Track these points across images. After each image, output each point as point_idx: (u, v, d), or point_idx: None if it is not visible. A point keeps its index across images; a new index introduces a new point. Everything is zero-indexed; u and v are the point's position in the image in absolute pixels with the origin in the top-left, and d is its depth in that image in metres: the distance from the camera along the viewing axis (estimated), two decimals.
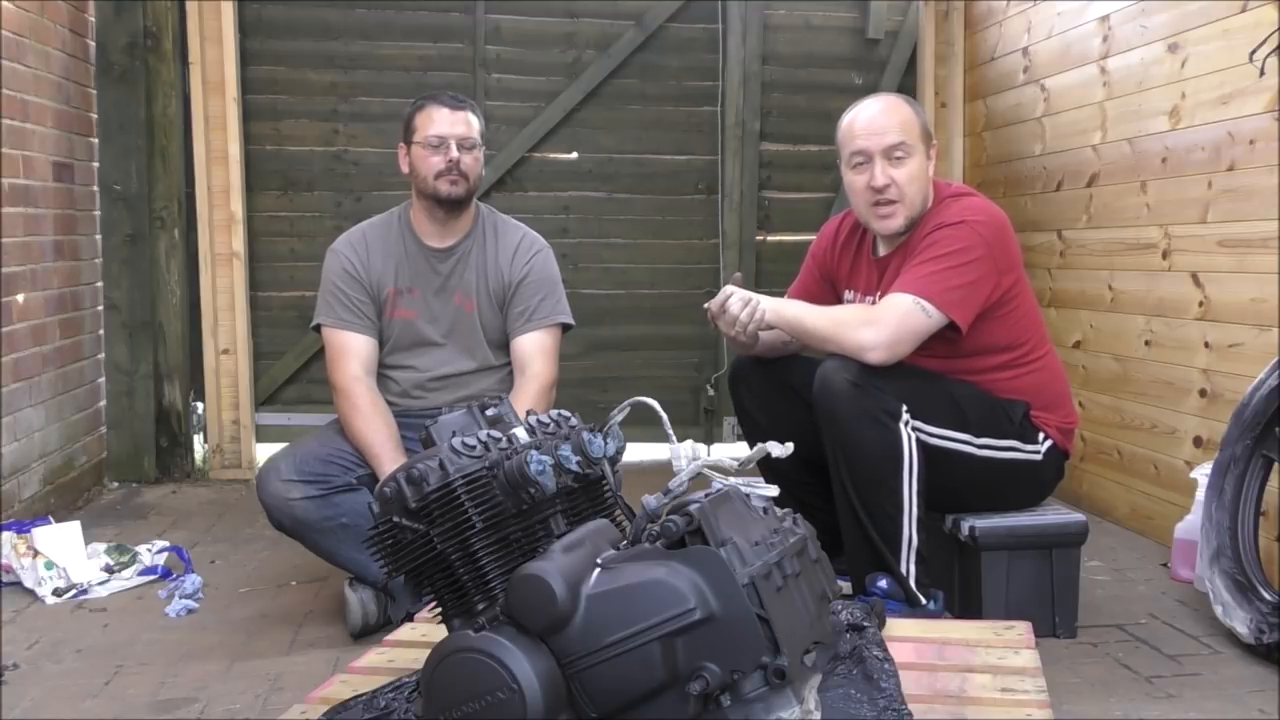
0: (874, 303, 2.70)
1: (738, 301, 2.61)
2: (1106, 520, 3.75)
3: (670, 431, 1.77)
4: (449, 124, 2.84)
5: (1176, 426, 3.43)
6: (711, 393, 5.03)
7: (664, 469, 1.73)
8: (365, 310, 2.91)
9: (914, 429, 2.50)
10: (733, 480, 1.70)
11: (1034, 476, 2.70)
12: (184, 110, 4.51)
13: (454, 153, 2.83)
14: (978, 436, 2.59)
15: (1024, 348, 2.69)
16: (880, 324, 2.51)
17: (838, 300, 2.86)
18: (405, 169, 2.92)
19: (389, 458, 2.72)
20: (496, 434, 1.68)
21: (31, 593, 3.09)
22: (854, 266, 2.83)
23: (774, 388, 2.78)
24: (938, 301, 2.51)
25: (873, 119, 2.65)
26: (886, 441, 2.47)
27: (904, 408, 2.48)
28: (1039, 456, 2.67)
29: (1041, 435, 2.68)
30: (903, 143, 2.60)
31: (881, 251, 2.75)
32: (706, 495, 1.60)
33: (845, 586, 2.57)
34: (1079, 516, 2.73)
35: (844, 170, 2.71)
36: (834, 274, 2.89)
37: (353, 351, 2.89)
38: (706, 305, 2.69)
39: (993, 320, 2.61)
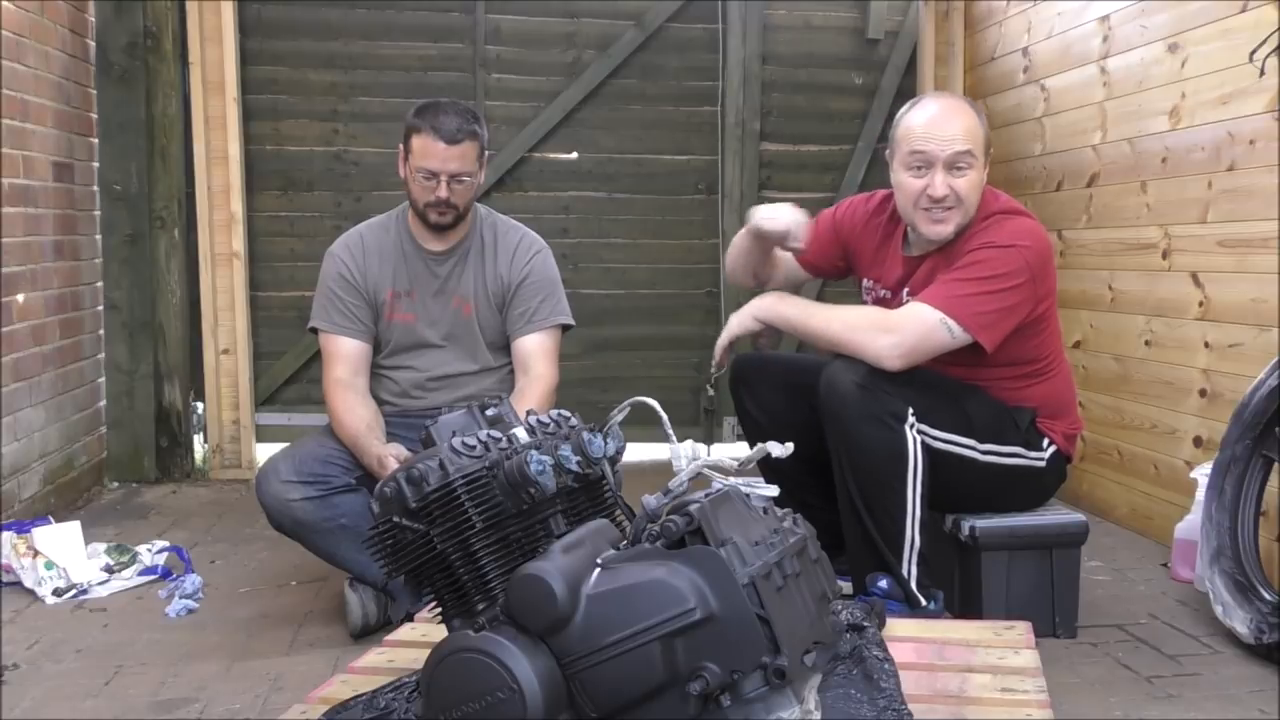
0: (895, 300, 2.67)
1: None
2: (1106, 520, 3.75)
3: (670, 431, 1.77)
4: (441, 160, 2.78)
5: (1176, 426, 3.43)
6: (711, 393, 5.03)
7: (664, 469, 1.73)
8: (358, 314, 2.91)
9: (919, 432, 2.49)
10: (733, 480, 1.70)
11: (1036, 482, 2.70)
12: (184, 110, 4.51)
13: (443, 192, 2.80)
14: (982, 441, 2.58)
15: (1044, 360, 2.68)
16: (901, 334, 2.48)
17: (843, 266, 2.85)
18: (403, 174, 2.91)
19: (363, 444, 2.73)
20: (496, 434, 1.67)
21: (31, 593, 3.09)
22: (878, 255, 2.77)
23: (775, 387, 2.78)
24: (966, 323, 2.48)
25: (939, 122, 2.55)
26: (891, 443, 2.47)
27: (910, 410, 2.48)
28: (1043, 463, 2.66)
29: (1046, 441, 2.67)
30: (969, 152, 2.53)
31: (914, 250, 2.70)
32: (706, 495, 1.60)
33: (845, 586, 2.57)
34: (1079, 516, 2.73)
35: (895, 167, 2.61)
36: (853, 248, 2.82)
37: (340, 356, 2.89)
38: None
39: (1022, 337, 2.59)
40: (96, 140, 4.41)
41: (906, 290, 2.65)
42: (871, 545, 2.53)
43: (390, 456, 2.65)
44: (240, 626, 2.88)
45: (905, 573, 2.51)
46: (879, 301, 2.75)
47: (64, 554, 3.15)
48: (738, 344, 2.72)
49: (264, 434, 4.73)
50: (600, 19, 4.95)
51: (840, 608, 1.99)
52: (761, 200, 5.07)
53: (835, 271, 2.93)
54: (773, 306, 2.63)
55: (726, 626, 1.49)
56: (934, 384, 2.56)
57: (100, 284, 4.44)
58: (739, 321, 2.66)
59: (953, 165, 2.53)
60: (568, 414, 1.83)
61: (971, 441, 2.57)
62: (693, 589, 1.49)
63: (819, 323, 2.58)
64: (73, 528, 3.24)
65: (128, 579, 3.21)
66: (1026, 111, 4.32)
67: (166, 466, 4.60)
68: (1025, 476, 2.66)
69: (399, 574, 1.63)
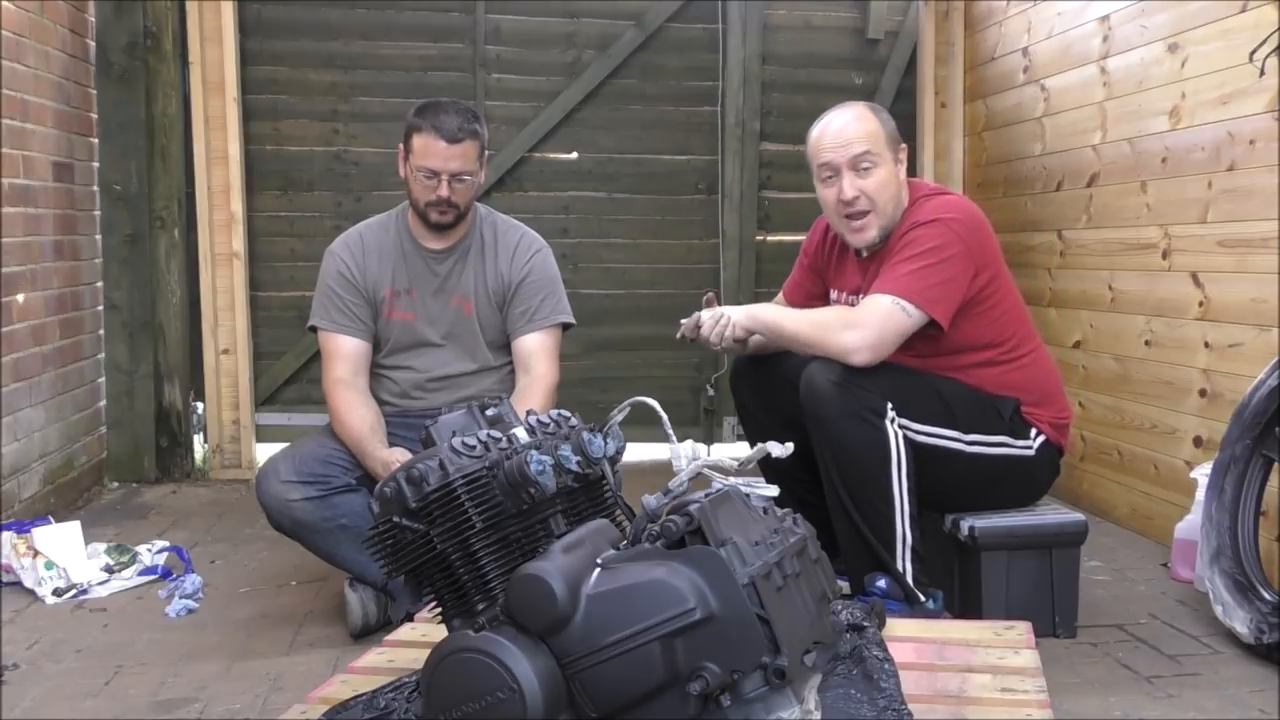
0: (854, 304, 2.71)
1: (709, 323, 2.68)
2: (1106, 520, 3.75)
3: (670, 431, 1.77)
4: (443, 159, 2.78)
5: (1176, 426, 3.43)
6: (711, 393, 5.03)
7: (664, 469, 1.73)
8: (358, 313, 2.91)
9: (900, 426, 2.51)
10: (733, 480, 1.70)
11: (1027, 473, 2.70)
12: (184, 110, 4.51)
13: (444, 191, 2.80)
14: (966, 433, 2.59)
15: (1007, 345, 2.69)
16: (863, 326, 2.52)
17: (827, 294, 2.87)
18: (403, 174, 2.91)
19: (366, 448, 2.73)
20: (496, 434, 1.68)
21: (31, 593, 3.09)
22: (839, 265, 2.85)
23: (775, 385, 2.79)
24: (917, 300, 2.52)
25: (838, 131, 2.66)
26: (873, 439, 2.48)
27: (889, 405, 2.50)
28: (1031, 452, 2.67)
29: (1033, 431, 2.68)
30: (868, 152, 2.61)
31: (864, 253, 2.76)
32: (706, 495, 1.61)
33: (845, 586, 2.57)
34: (1078, 516, 2.73)
35: (816, 185, 2.72)
36: (823, 270, 2.91)
37: (340, 355, 2.89)
38: (680, 334, 2.76)
39: (972, 317, 2.62)
40: (96, 140, 4.41)
41: (863, 293, 2.68)
42: (864, 544, 2.54)
43: (397, 462, 2.64)
44: (240, 626, 2.88)
45: (900, 569, 2.51)
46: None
47: (64, 554, 3.15)
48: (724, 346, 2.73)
49: (264, 434, 4.73)
50: (600, 19, 4.95)
51: (840, 608, 1.99)
52: (761, 200, 5.08)
53: (824, 301, 2.95)
54: (756, 315, 2.69)
55: (726, 626, 1.49)
56: (912, 378, 2.58)
57: (100, 284, 4.44)
58: (733, 327, 2.67)
59: (856, 167, 2.62)
60: (568, 414, 1.84)
61: (956, 433, 2.59)
62: (693, 589, 1.49)
63: (792, 326, 2.64)
64: (73, 528, 3.24)
65: (128, 579, 3.21)
66: (1026, 111, 4.32)
67: (166, 466, 4.60)
68: (1015, 467, 2.66)
69: (399, 574, 1.63)
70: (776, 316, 2.69)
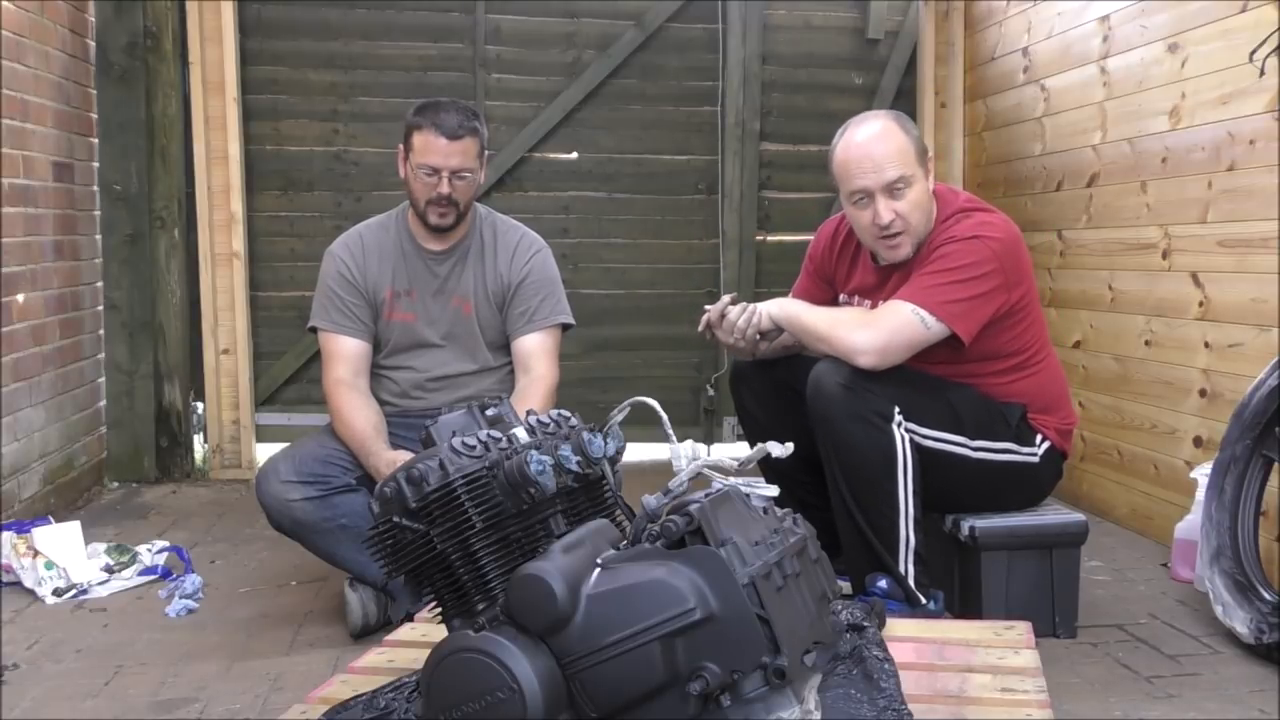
0: (874, 308, 2.70)
1: (736, 308, 2.67)
2: (1106, 520, 3.75)
3: (670, 431, 1.77)
4: (443, 156, 2.78)
5: (1176, 426, 3.43)
6: (711, 393, 5.03)
7: (664, 469, 1.73)
8: (358, 313, 2.91)
9: (907, 430, 2.50)
10: (733, 480, 1.70)
11: (1031, 478, 2.70)
12: (184, 110, 4.51)
13: (445, 188, 2.80)
14: (973, 439, 2.59)
15: (1027, 353, 2.69)
16: (875, 328, 2.52)
17: (835, 301, 2.87)
18: (403, 174, 2.91)
19: (370, 448, 2.73)
20: (496, 434, 1.68)
21: (31, 593, 3.09)
22: (851, 270, 2.83)
23: (774, 387, 2.79)
24: (939, 313, 2.50)
25: (868, 154, 2.57)
26: (879, 442, 2.48)
27: (896, 409, 2.49)
28: (1036, 459, 2.67)
29: (1039, 437, 2.68)
30: (902, 176, 2.55)
31: (883, 260, 2.74)
32: (706, 495, 1.60)
33: (845, 586, 2.57)
34: (1079, 516, 2.73)
35: (844, 203, 2.67)
36: (832, 275, 2.89)
37: (341, 355, 2.89)
38: (705, 317, 2.73)
39: (1000, 329, 2.61)
40: (96, 140, 4.41)
41: (882, 299, 2.67)
42: (867, 545, 2.54)
43: (401, 463, 2.63)
44: (240, 626, 2.88)
45: (902, 571, 2.51)
46: None
47: (64, 554, 3.15)
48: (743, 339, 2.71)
49: (264, 434, 4.73)
50: (600, 19, 4.96)
51: (840, 608, 1.99)
52: (761, 200, 5.09)
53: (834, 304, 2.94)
54: (784, 306, 2.70)
55: (726, 626, 1.49)
56: (920, 383, 2.57)
57: (100, 284, 4.44)
58: (760, 315, 2.67)
59: (890, 191, 2.56)
60: (568, 414, 1.84)
61: (962, 439, 2.58)
62: (693, 589, 1.49)
63: (810, 319, 2.64)
64: (73, 528, 3.24)
65: (128, 579, 3.21)
66: (1026, 111, 4.33)
67: (166, 466, 4.60)
68: (1020, 473, 2.66)
69: (399, 574, 1.63)
70: (798, 309, 2.68)
